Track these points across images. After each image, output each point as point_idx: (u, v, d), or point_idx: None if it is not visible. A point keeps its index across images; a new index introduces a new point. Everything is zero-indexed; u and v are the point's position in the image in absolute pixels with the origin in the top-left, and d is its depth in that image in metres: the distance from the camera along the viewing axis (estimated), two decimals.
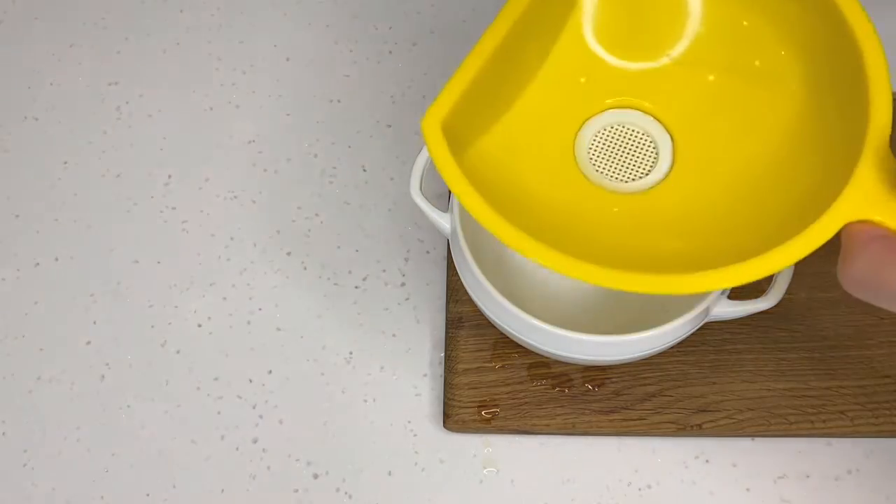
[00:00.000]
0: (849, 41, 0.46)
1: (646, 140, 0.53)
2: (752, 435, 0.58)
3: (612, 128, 0.53)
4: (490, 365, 0.60)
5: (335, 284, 0.64)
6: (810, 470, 0.58)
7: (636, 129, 0.53)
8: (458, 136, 0.47)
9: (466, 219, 0.55)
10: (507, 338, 0.56)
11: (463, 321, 0.61)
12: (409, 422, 0.60)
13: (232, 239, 0.66)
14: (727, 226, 0.49)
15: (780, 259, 0.42)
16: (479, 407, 0.59)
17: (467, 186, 0.45)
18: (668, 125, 0.53)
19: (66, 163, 0.69)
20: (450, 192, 0.56)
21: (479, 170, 0.47)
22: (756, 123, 0.51)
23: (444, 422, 0.59)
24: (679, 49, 0.53)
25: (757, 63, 0.52)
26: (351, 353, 0.62)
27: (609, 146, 0.53)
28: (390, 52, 0.73)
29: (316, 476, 0.59)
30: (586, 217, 0.51)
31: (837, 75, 0.48)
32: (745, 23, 0.52)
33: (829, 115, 0.48)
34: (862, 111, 0.44)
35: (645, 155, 0.53)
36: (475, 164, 0.47)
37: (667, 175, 0.52)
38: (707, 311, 0.53)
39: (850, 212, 0.41)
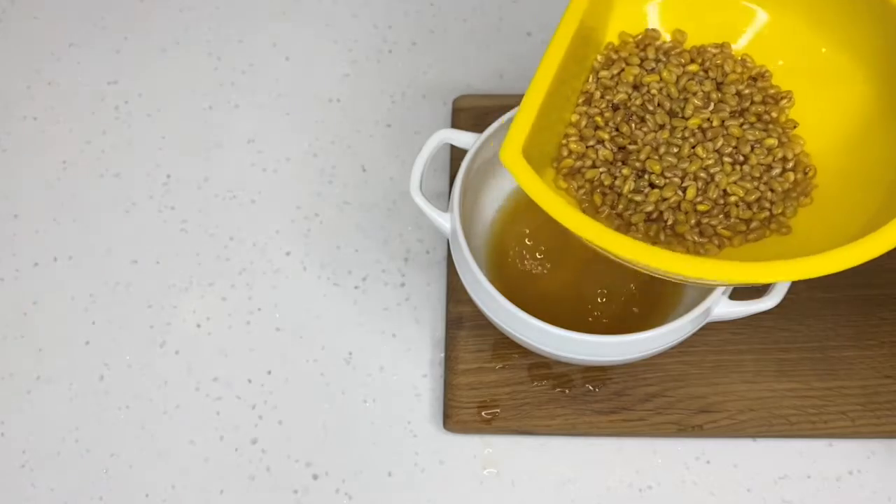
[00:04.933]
0: None
1: None
2: (754, 435, 0.58)
3: None
4: (490, 365, 0.60)
5: (335, 284, 0.64)
6: (811, 470, 0.58)
7: None
8: (534, 165, 0.48)
9: (466, 219, 0.55)
10: (508, 338, 0.56)
11: (463, 321, 0.61)
12: (409, 422, 0.60)
13: (231, 239, 0.66)
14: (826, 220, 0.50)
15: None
16: (479, 407, 0.59)
17: (568, 206, 0.46)
18: None
19: (65, 162, 0.69)
20: (450, 191, 0.56)
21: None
22: (825, 119, 0.53)
23: (444, 422, 0.59)
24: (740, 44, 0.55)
25: (809, 70, 0.53)
26: (351, 353, 0.62)
27: None
28: (390, 52, 0.73)
29: (315, 477, 0.58)
30: None
31: None
32: (796, 32, 0.53)
33: None
34: None
35: None
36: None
37: None
38: (708, 311, 0.52)
39: None
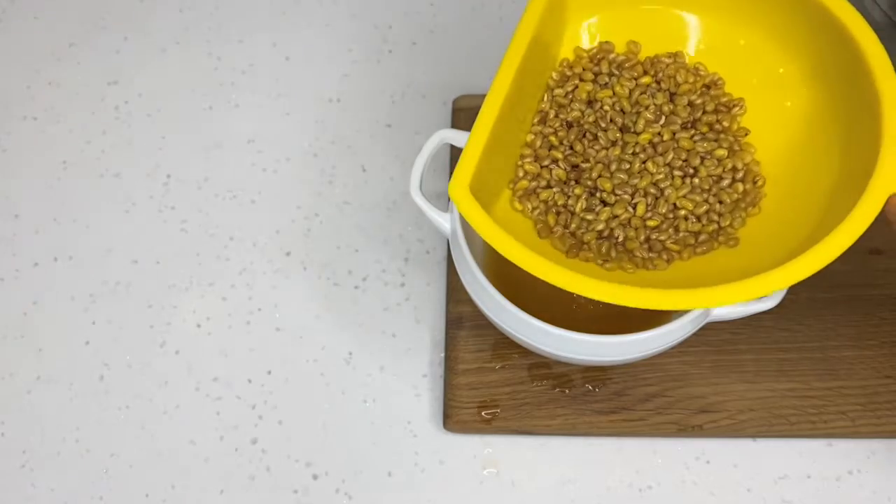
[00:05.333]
0: (845, 40, 0.49)
1: None
2: (754, 435, 0.58)
3: None
4: (490, 365, 0.60)
5: (335, 284, 0.64)
6: (811, 470, 0.58)
7: None
8: (482, 199, 0.49)
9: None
10: (508, 338, 0.56)
11: (463, 321, 0.61)
12: (409, 422, 0.60)
13: (231, 239, 0.66)
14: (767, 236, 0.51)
15: (841, 241, 0.45)
16: (479, 407, 0.59)
17: (512, 241, 0.47)
18: None
19: (65, 162, 0.69)
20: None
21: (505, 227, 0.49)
22: (764, 131, 0.53)
23: (444, 422, 0.59)
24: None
25: (754, 80, 0.54)
26: (351, 353, 0.62)
27: None
28: (390, 52, 0.73)
29: (315, 477, 0.58)
30: None
31: (839, 73, 0.51)
32: (741, 41, 0.54)
33: (838, 114, 0.50)
34: (871, 100, 0.47)
35: None
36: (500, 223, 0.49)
37: None
38: (708, 311, 0.52)
39: (889, 185, 0.45)
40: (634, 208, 0.51)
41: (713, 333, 0.59)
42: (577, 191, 0.52)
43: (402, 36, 0.74)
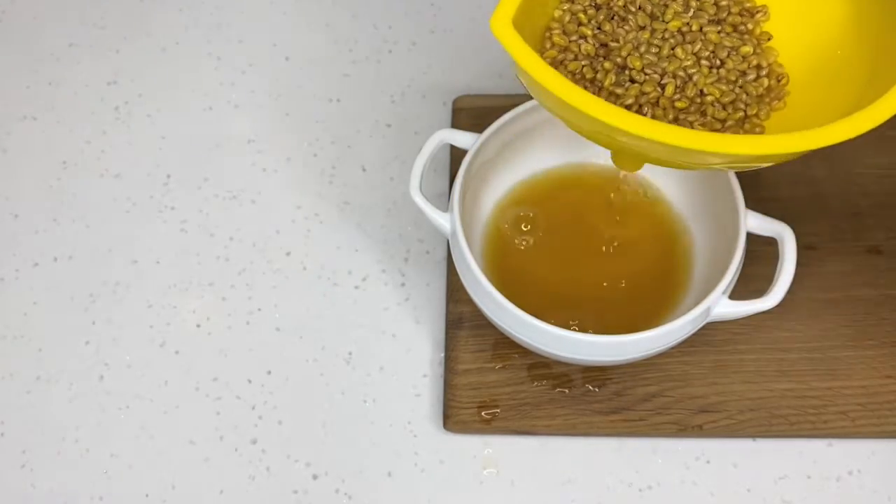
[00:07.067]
0: None
1: None
2: (754, 435, 0.58)
3: None
4: (490, 365, 0.60)
5: (335, 284, 0.64)
6: (811, 471, 0.58)
7: None
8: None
9: (466, 219, 0.55)
10: (508, 338, 0.56)
11: (463, 321, 0.61)
12: (409, 422, 0.60)
13: (231, 239, 0.66)
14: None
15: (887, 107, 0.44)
16: (479, 407, 0.59)
17: (560, 76, 0.46)
18: None
19: (65, 163, 0.69)
20: (450, 191, 0.56)
21: None
22: (798, 34, 0.54)
23: (444, 422, 0.59)
24: None
25: None
26: (351, 353, 0.62)
27: None
28: (390, 52, 0.73)
29: (315, 477, 0.58)
30: None
31: None
32: None
33: (870, 27, 0.51)
34: None
35: None
36: None
37: None
38: (708, 311, 0.52)
39: None
40: (663, 88, 0.51)
41: (713, 333, 0.59)
42: (607, 65, 0.51)
43: (402, 36, 0.74)
